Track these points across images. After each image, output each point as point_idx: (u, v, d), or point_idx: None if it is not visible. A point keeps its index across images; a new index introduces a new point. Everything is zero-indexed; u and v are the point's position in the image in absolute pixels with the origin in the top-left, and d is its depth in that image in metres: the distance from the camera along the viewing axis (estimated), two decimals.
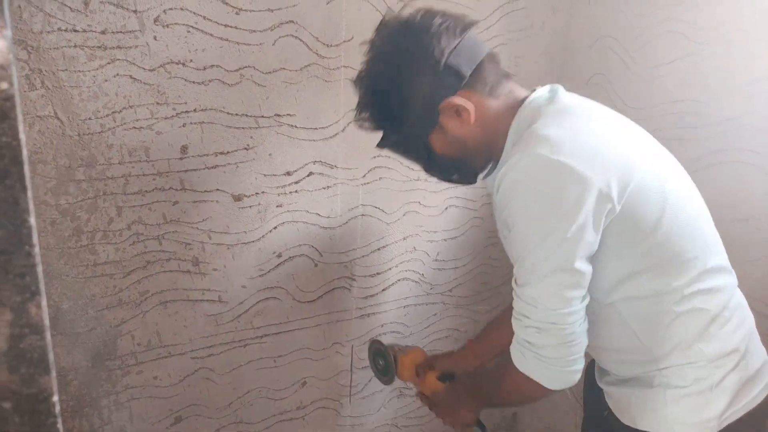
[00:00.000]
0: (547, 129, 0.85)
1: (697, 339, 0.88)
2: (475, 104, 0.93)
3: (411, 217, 1.50)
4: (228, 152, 1.19)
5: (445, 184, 1.52)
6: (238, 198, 1.23)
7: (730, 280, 0.94)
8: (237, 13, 1.12)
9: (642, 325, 0.90)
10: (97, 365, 1.16)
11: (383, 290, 1.52)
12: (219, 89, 1.14)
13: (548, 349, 0.87)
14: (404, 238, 1.51)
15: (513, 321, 0.91)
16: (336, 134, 1.31)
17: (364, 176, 1.39)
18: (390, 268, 1.51)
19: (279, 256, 1.32)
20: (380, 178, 1.41)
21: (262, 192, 1.26)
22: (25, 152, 0.31)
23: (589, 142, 0.84)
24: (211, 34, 1.10)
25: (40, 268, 0.33)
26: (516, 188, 0.84)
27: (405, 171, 1.45)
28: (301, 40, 1.20)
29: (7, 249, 0.31)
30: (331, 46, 1.24)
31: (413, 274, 1.56)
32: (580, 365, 0.89)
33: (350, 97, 1.30)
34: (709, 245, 0.91)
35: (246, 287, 1.30)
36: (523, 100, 0.94)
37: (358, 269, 1.45)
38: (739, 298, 0.96)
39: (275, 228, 1.30)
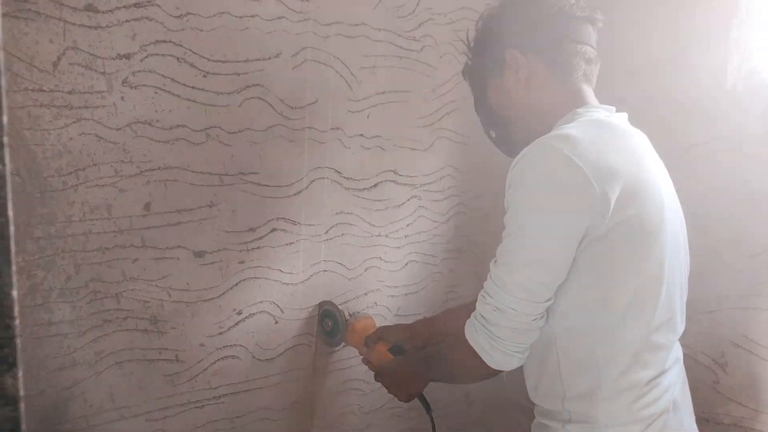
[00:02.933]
0: (573, 130, 0.88)
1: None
2: (538, 75, 0.98)
3: (373, 272, 1.52)
4: (191, 209, 1.20)
5: (405, 240, 1.56)
6: (199, 254, 1.23)
7: (672, 336, 0.97)
8: (204, 76, 1.15)
9: (569, 364, 0.93)
10: (46, 430, 1.11)
11: (344, 346, 1.52)
12: (184, 148, 1.16)
13: (500, 329, 0.90)
14: (366, 294, 1.52)
15: (479, 296, 0.94)
16: (299, 192, 1.34)
17: (327, 232, 1.41)
18: None
19: (239, 313, 1.31)
20: (342, 234, 1.44)
21: (224, 249, 1.26)
22: (12, 228, 0.32)
23: (607, 159, 0.86)
24: (179, 96, 1.13)
25: (18, 340, 0.33)
26: (525, 172, 0.87)
27: (367, 227, 1.48)
28: (266, 102, 1.24)
29: None
30: (296, 108, 1.29)
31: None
32: (523, 355, 0.93)
33: (314, 156, 1.35)
34: (672, 304, 0.94)
35: (204, 345, 1.28)
36: (585, 105, 0.97)
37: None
38: (677, 352, 0.99)
39: (236, 284, 1.29)
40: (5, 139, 0.32)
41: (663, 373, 0.93)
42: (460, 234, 1.70)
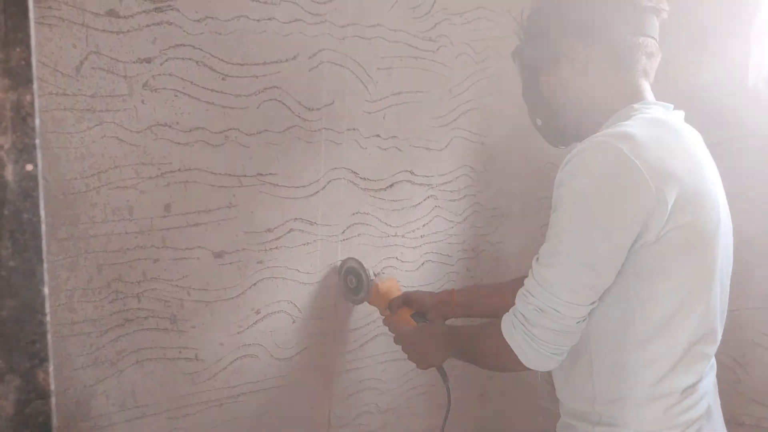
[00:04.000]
0: (632, 128, 0.84)
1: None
2: (596, 67, 0.94)
3: (389, 272, 1.53)
4: (210, 210, 1.21)
5: (421, 240, 1.56)
6: (218, 255, 1.24)
7: (713, 347, 0.94)
8: (223, 79, 1.16)
9: (602, 367, 0.91)
10: (69, 427, 1.14)
11: (361, 346, 1.53)
12: (203, 150, 1.17)
13: (541, 330, 0.87)
14: None
15: (519, 293, 0.91)
16: (316, 192, 1.35)
17: (344, 232, 1.42)
18: (368, 323, 1.52)
19: (257, 312, 1.33)
20: (359, 234, 1.44)
21: (243, 249, 1.27)
22: (43, 227, 0.33)
23: (667, 162, 0.83)
24: (198, 98, 1.14)
25: (49, 336, 0.35)
26: (580, 170, 0.83)
27: (383, 227, 1.49)
28: (284, 104, 1.26)
29: (21, 317, 0.33)
30: (312, 109, 1.30)
31: None
32: (562, 357, 0.89)
33: (331, 157, 1.36)
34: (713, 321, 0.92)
35: (223, 344, 1.29)
36: (642, 100, 0.93)
37: (337, 324, 1.46)
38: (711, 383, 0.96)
39: (254, 284, 1.31)
40: (37, 141, 0.33)
41: (700, 380, 0.91)
42: (476, 234, 1.70)
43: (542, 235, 0.90)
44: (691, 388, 0.90)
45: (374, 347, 1.55)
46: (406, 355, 1.23)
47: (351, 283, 1.41)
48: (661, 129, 0.87)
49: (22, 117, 0.33)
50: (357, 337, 1.51)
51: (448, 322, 1.28)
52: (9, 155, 0.33)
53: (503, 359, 0.93)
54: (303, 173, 1.32)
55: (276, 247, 1.32)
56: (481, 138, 1.63)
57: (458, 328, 1.14)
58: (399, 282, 1.45)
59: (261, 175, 1.26)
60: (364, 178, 1.43)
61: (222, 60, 1.16)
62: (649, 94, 0.96)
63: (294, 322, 1.39)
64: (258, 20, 1.19)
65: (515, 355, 0.90)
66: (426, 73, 1.48)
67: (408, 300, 1.33)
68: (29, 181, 0.32)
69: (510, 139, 1.70)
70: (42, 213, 0.34)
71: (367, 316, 1.52)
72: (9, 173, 0.34)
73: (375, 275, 1.39)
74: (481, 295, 1.31)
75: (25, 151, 0.34)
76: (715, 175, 0.94)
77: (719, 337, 0.95)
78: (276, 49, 1.22)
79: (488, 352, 0.99)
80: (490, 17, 1.57)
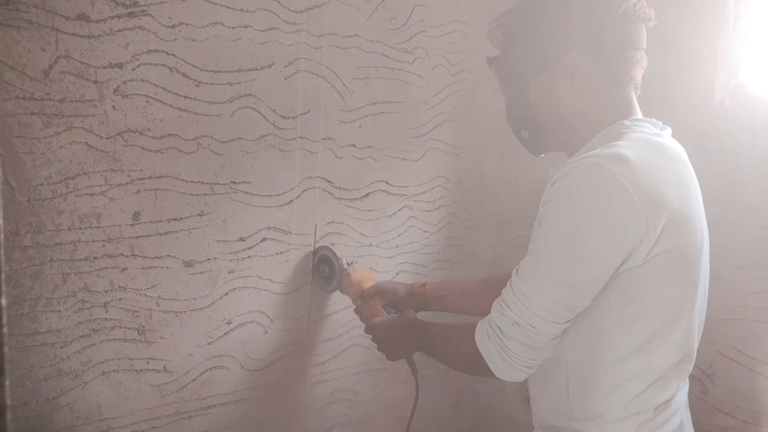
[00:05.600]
0: (626, 150, 0.83)
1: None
2: (591, 81, 0.90)
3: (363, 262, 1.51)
4: (181, 218, 1.19)
5: (396, 250, 1.56)
6: (189, 264, 1.22)
7: (689, 367, 0.95)
8: (197, 86, 1.15)
9: (579, 385, 0.91)
10: None
11: (334, 356, 1.51)
12: (175, 157, 1.15)
13: (514, 344, 0.87)
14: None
15: (495, 303, 0.91)
16: (291, 201, 1.34)
17: (318, 242, 1.41)
18: (341, 334, 1.51)
19: (228, 323, 1.31)
20: (333, 244, 1.43)
21: (214, 258, 1.25)
22: (1, 236, 0.32)
23: (658, 188, 0.82)
24: (171, 105, 1.13)
25: (5, 349, 0.33)
26: (571, 191, 0.82)
27: (358, 237, 1.48)
28: (258, 112, 1.24)
29: None
30: (288, 118, 1.29)
31: (365, 339, 1.56)
32: (532, 370, 0.90)
33: (305, 166, 1.35)
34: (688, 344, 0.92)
35: (193, 356, 1.27)
36: (631, 116, 0.92)
37: (310, 335, 1.45)
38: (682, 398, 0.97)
39: (226, 294, 1.29)
40: None
41: (673, 397, 0.92)
42: (450, 244, 1.71)
43: (516, 246, 0.91)
44: (665, 404, 0.90)
45: (347, 358, 1.54)
46: (379, 355, 1.23)
47: (324, 271, 1.39)
48: (653, 151, 0.86)
49: None
50: (330, 347, 1.50)
51: (420, 314, 1.27)
52: None
53: (473, 366, 0.93)
54: (277, 182, 1.31)
55: (248, 257, 1.30)
56: (456, 149, 1.64)
57: (431, 326, 1.13)
58: (374, 272, 1.44)
59: (234, 183, 1.24)
60: (340, 188, 1.42)
61: (196, 67, 1.15)
62: (637, 110, 0.95)
63: (266, 332, 1.37)
64: (233, 27, 1.18)
65: (486, 363, 0.91)
66: (402, 84, 1.48)
67: (380, 290, 1.31)
68: None
69: (485, 150, 1.71)
70: (1, 221, 0.33)
71: (341, 326, 1.51)
72: None
73: (348, 264, 1.37)
74: (456, 291, 1.31)
75: None
76: (699, 197, 0.94)
77: (695, 356, 0.96)
78: (251, 57, 1.21)
79: (459, 357, 1.00)
80: (466, 30, 1.59)
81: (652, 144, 0.88)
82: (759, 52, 1.41)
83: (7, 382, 0.35)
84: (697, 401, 1.42)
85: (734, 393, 1.39)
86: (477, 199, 1.73)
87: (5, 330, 0.33)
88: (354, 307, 1.35)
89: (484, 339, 0.91)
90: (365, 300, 1.30)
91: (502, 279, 0.96)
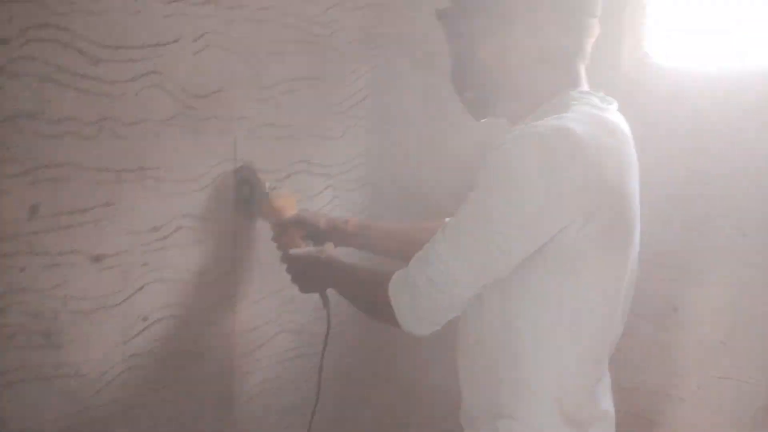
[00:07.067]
0: (573, 123, 0.82)
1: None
2: (547, 46, 0.88)
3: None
4: (86, 210, 1.10)
5: None
6: (97, 259, 1.13)
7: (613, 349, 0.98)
8: (95, 64, 1.05)
9: (506, 361, 0.91)
10: None
11: (260, 346, 1.47)
12: (75, 143, 1.06)
13: (427, 300, 0.88)
14: (282, 289, 1.47)
15: (415, 257, 0.90)
16: (206, 186, 1.27)
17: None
18: (267, 322, 1.47)
19: (144, 319, 1.23)
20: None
21: (125, 251, 1.17)
22: None
23: (602, 164, 0.82)
24: (67, 85, 1.02)
25: None
26: (513, 159, 0.81)
27: None
28: (166, 91, 1.16)
29: None
30: (199, 97, 1.21)
31: (292, 325, 1.52)
32: (439, 327, 0.91)
33: (221, 148, 1.27)
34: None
35: (108, 357, 1.18)
36: (578, 87, 0.91)
37: (233, 326, 1.39)
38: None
39: (140, 289, 1.21)
40: None
41: (599, 381, 0.95)
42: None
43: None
44: (592, 388, 0.93)
45: (274, 346, 1.50)
46: (294, 287, 1.22)
47: (245, 193, 1.31)
48: (598, 127, 0.86)
49: None
50: (255, 337, 1.45)
51: (341, 250, 1.25)
52: None
53: (382, 314, 0.94)
54: (190, 166, 1.23)
55: (163, 248, 1.23)
56: (378, 126, 1.62)
57: (346, 266, 1.13)
58: (299, 201, 1.36)
59: (142, 169, 1.16)
60: (260, 169, 1.36)
61: (93, 42, 1.05)
62: (584, 81, 0.93)
63: (187, 326, 1.30)
64: None
65: (393, 311, 0.91)
66: (321, 59, 1.44)
67: (301, 220, 1.27)
68: None
69: (408, 126, 1.70)
70: None
71: (267, 313, 1.46)
72: None
73: (271, 188, 1.29)
74: (379, 233, 1.29)
75: None
76: (637, 178, 0.94)
77: (616, 343, 0.99)
78: (155, 31, 1.13)
79: (370, 302, 1.01)
80: (382, 2, 1.56)
81: (599, 119, 0.88)
82: (664, 23, 1.47)
83: None
84: None
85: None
86: (401, 176, 1.72)
87: None
88: (272, 236, 1.30)
89: (398, 291, 0.91)
90: (284, 229, 1.26)
91: (430, 228, 0.97)
